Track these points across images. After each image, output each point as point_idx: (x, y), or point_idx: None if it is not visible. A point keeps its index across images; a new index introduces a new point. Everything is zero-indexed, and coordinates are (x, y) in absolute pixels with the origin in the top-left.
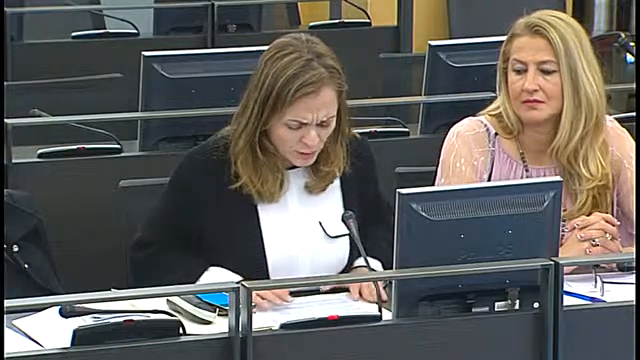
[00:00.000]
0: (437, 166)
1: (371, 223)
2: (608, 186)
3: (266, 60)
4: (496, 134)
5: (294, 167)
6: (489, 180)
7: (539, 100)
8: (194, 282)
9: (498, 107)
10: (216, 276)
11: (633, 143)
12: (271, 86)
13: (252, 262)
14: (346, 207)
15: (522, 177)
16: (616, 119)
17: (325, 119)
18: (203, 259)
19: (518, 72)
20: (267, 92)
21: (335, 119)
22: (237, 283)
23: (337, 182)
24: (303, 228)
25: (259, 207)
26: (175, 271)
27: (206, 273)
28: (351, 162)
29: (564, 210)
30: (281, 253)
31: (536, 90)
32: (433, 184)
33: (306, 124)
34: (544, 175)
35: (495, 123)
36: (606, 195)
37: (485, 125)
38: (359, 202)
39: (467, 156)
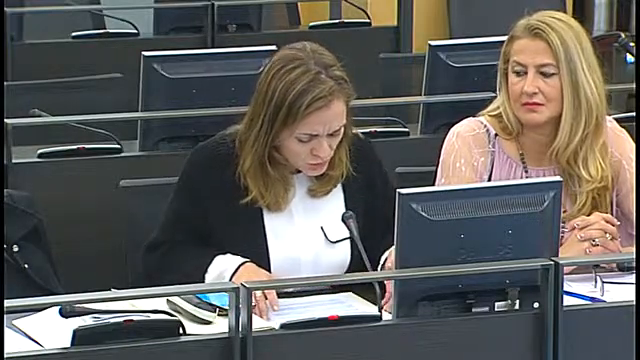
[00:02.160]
0: (437, 166)
1: (387, 230)
2: (608, 187)
3: (272, 74)
4: (496, 135)
5: (298, 171)
6: (489, 181)
7: (538, 103)
8: (203, 275)
9: (498, 107)
10: (222, 265)
11: (633, 144)
12: (280, 101)
13: (256, 264)
14: (348, 209)
15: (522, 178)
16: (616, 119)
17: (336, 130)
18: (210, 250)
19: (518, 74)
20: (276, 108)
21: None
22: (237, 283)
23: (339, 185)
24: (305, 233)
25: (264, 210)
26: (185, 266)
27: (212, 264)
28: (354, 165)
29: (564, 211)
30: (284, 257)
31: (535, 93)
32: (433, 184)
33: (317, 136)
34: (544, 176)
35: (495, 124)
36: (605, 196)
37: (485, 126)
38: (364, 205)
39: (467, 157)
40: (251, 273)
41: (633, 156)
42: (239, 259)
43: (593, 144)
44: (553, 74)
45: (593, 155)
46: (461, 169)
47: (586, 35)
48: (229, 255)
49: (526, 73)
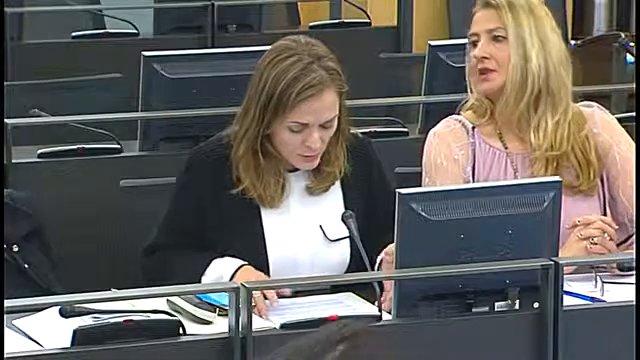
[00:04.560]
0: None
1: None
2: (568, 157)
3: (266, 64)
4: (474, 127)
5: (295, 170)
6: (473, 172)
7: (490, 69)
8: (199, 278)
9: (470, 99)
10: (220, 268)
11: (622, 130)
12: (272, 90)
13: (254, 264)
14: (347, 208)
15: (506, 164)
16: (616, 119)
17: (327, 121)
18: (207, 254)
19: (474, 45)
20: (268, 96)
21: (336, 120)
22: (237, 283)
23: (338, 183)
24: (304, 231)
25: (262, 208)
26: (181, 270)
27: (210, 267)
28: (352, 163)
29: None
30: (282, 256)
31: (487, 58)
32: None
33: (308, 127)
34: (528, 161)
35: (470, 116)
36: (564, 166)
37: (460, 121)
38: (363, 205)
39: (446, 152)
40: (250, 276)
41: (623, 140)
42: (237, 262)
43: (547, 113)
44: (504, 39)
45: (545, 124)
46: (442, 164)
47: (548, 14)
48: (227, 258)
49: (478, 42)
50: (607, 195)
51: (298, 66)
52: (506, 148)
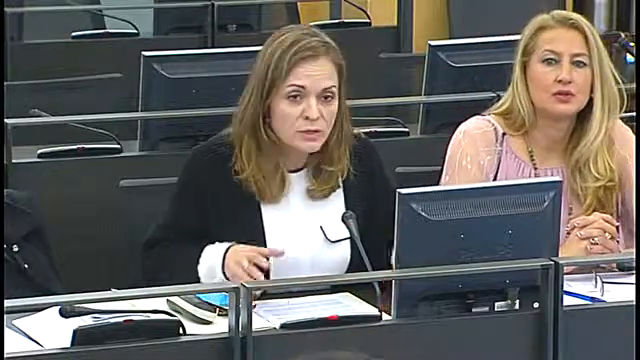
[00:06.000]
0: (441, 165)
1: (387, 229)
2: (615, 186)
3: (264, 49)
4: (504, 134)
5: (297, 170)
6: (495, 180)
7: (572, 93)
8: (196, 268)
9: (503, 104)
10: (211, 252)
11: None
12: (269, 61)
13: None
14: (348, 209)
15: (530, 177)
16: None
17: (326, 88)
18: (201, 246)
19: (549, 63)
20: (266, 66)
21: (337, 101)
22: (237, 283)
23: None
24: (304, 231)
25: (262, 207)
26: (178, 263)
27: (203, 255)
28: (354, 164)
29: (569, 213)
30: (283, 256)
31: (570, 82)
32: (438, 182)
33: (306, 95)
34: (552, 175)
35: (501, 121)
36: (612, 195)
37: (493, 124)
38: (364, 205)
39: (473, 155)
40: (239, 253)
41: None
42: (224, 247)
43: (604, 141)
44: (584, 65)
45: (602, 153)
46: (467, 167)
47: None
48: (217, 244)
49: (557, 62)
50: (620, 208)
51: (294, 36)
52: (534, 164)
